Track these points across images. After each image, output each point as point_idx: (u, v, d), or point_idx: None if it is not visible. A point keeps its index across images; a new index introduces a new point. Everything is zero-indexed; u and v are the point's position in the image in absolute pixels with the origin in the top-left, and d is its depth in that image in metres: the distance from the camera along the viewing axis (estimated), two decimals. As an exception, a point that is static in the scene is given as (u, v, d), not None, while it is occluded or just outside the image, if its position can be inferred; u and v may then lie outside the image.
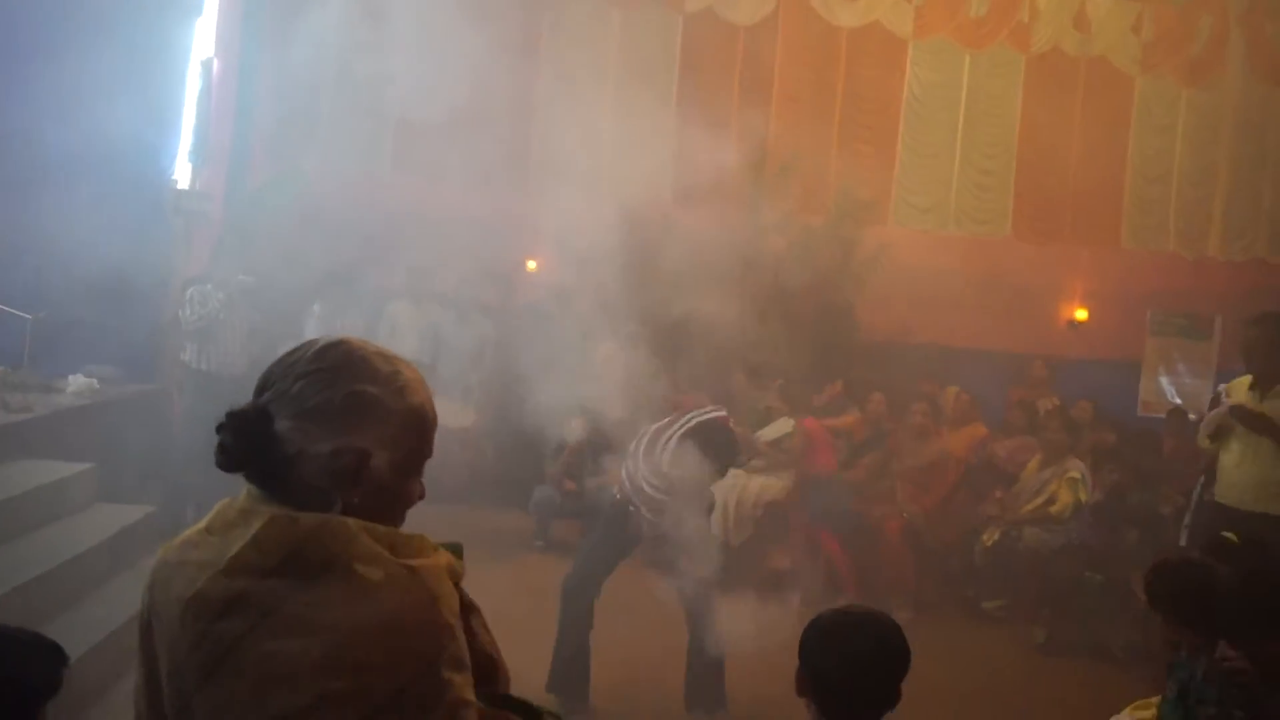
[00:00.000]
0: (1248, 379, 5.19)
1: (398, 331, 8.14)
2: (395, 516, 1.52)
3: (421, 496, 1.56)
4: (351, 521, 1.42)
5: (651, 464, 4.71)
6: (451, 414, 7.80)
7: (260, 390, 1.51)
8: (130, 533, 5.22)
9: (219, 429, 1.47)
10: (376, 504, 1.48)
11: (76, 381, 6.30)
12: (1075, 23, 9.88)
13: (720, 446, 4.78)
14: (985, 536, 6.58)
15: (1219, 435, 5.15)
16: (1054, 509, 6.43)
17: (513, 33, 9.45)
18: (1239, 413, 5.00)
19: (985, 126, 9.97)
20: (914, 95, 9.98)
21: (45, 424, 5.57)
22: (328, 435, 1.45)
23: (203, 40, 8.57)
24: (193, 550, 1.46)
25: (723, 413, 4.96)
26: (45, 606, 4.27)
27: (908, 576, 6.49)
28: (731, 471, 7.30)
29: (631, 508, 4.73)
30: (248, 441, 1.46)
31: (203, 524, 1.49)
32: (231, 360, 6.62)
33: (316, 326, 7.42)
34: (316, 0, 7.80)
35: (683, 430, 4.74)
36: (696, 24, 9.82)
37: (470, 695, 1.45)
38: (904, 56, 9.92)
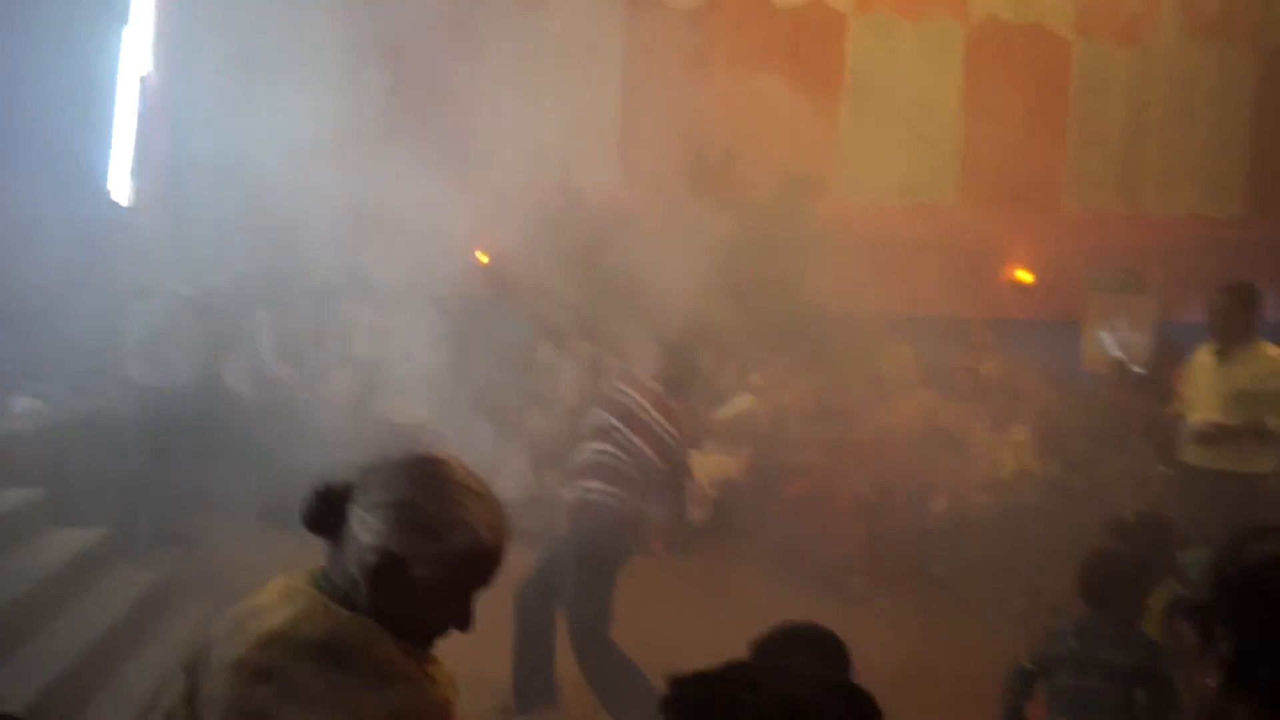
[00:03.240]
0: (1211, 346, 5.26)
1: (348, 330, 8.10)
2: (425, 633, 1.64)
3: (462, 628, 1.66)
4: (374, 625, 1.57)
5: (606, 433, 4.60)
6: (403, 410, 7.80)
7: (354, 474, 1.68)
8: (86, 557, 5.17)
9: (312, 490, 1.64)
10: (408, 615, 1.60)
11: (21, 403, 6.24)
12: (1013, -11, 9.98)
13: (691, 368, 4.73)
14: (934, 503, 6.69)
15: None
16: (1001, 474, 6.56)
17: (451, 18, 9.46)
18: (1207, 438, 5.07)
19: (927, 96, 10.06)
20: (856, 69, 10.05)
21: (-9, 450, 5.51)
22: (375, 532, 1.59)
23: (137, 54, 8.46)
24: (249, 621, 1.61)
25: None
26: (3, 641, 4.23)
27: (859, 548, 6.57)
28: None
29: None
30: (324, 507, 1.63)
31: (264, 601, 1.64)
32: (178, 374, 6.58)
33: (265, 334, 7.37)
34: (251, 7, 7.75)
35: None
36: (638, 7, 9.81)
37: None
38: (845, 31, 9.98)
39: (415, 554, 1.58)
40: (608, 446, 4.52)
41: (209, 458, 7.15)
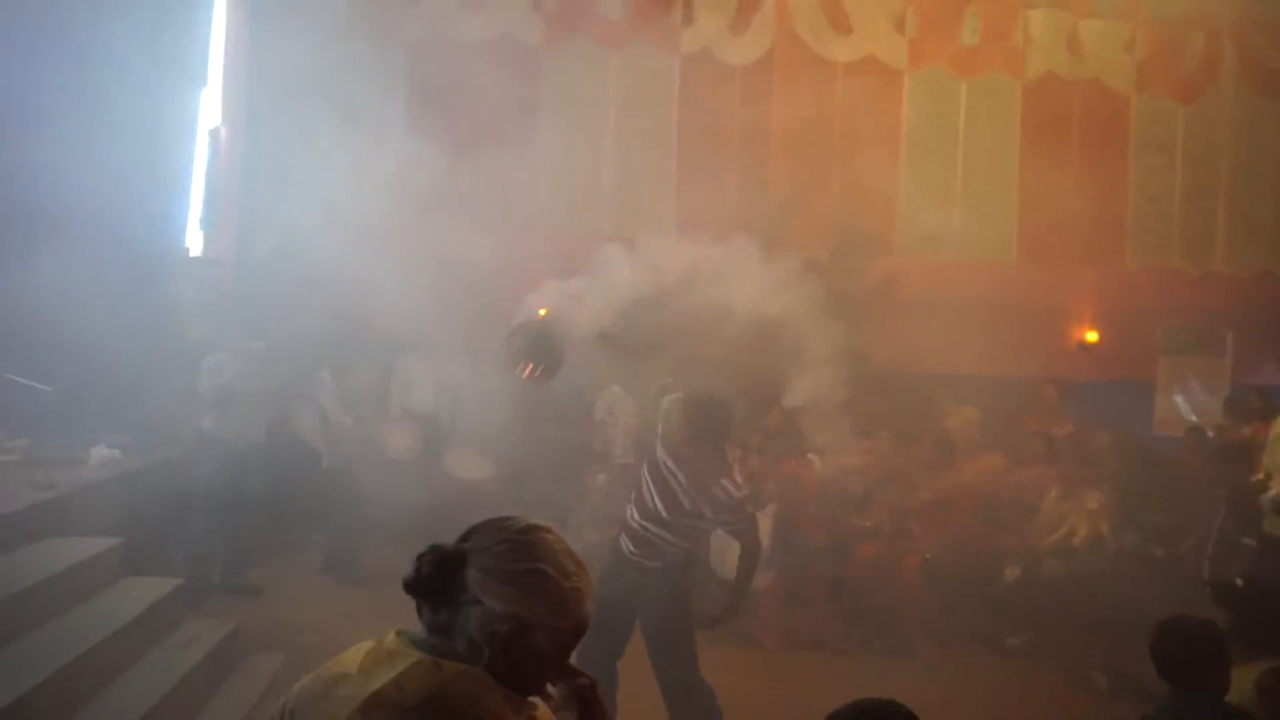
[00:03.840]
0: None
1: (411, 386, 8.17)
2: (530, 688, 1.70)
3: (555, 681, 1.75)
4: (488, 678, 1.61)
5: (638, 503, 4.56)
6: (469, 465, 7.83)
7: (463, 538, 1.71)
8: (160, 607, 5.24)
9: (416, 558, 1.68)
10: (515, 673, 1.65)
11: (99, 453, 6.36)
12: (1068, 46, 10.00)
13: (713, 418, 4.44)
14: (1007, 571, 6.56)
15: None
16: (1075, 541, 6.42)
17: (510, 76, 9.65)
18: None
19: (984, 153, 10.06)
20: (912, 126, 10.08)
21: (72, 500, 5.60)
22: (503, 597, 1.64)
23: (209, 109, 8.71)
24: (339, 686, 1.63)
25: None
26: (80, 691, 4.29)
27: (929, 616, 6.45)
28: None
29: (631, 555, 4.53)
30: (440, 572, 1.66)
31: (353, 664, 1.65)
32: (249, 427, 6.69)
33: (329, 391, 7.46)
34: (317, 70, 7.96)
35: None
36: (693, 65, 9.93)
37: None
38: (900, 88, 10.03)
39: (540, 621, 1.65)
40: (649, 524, 4.49)
41: (277, 509, 7.25)
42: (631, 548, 4.54)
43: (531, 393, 8.01)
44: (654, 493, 4.49)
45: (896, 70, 9.98)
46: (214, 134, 8.91)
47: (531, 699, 1.68)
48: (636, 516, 4.54)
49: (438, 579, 1.65)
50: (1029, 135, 9.99)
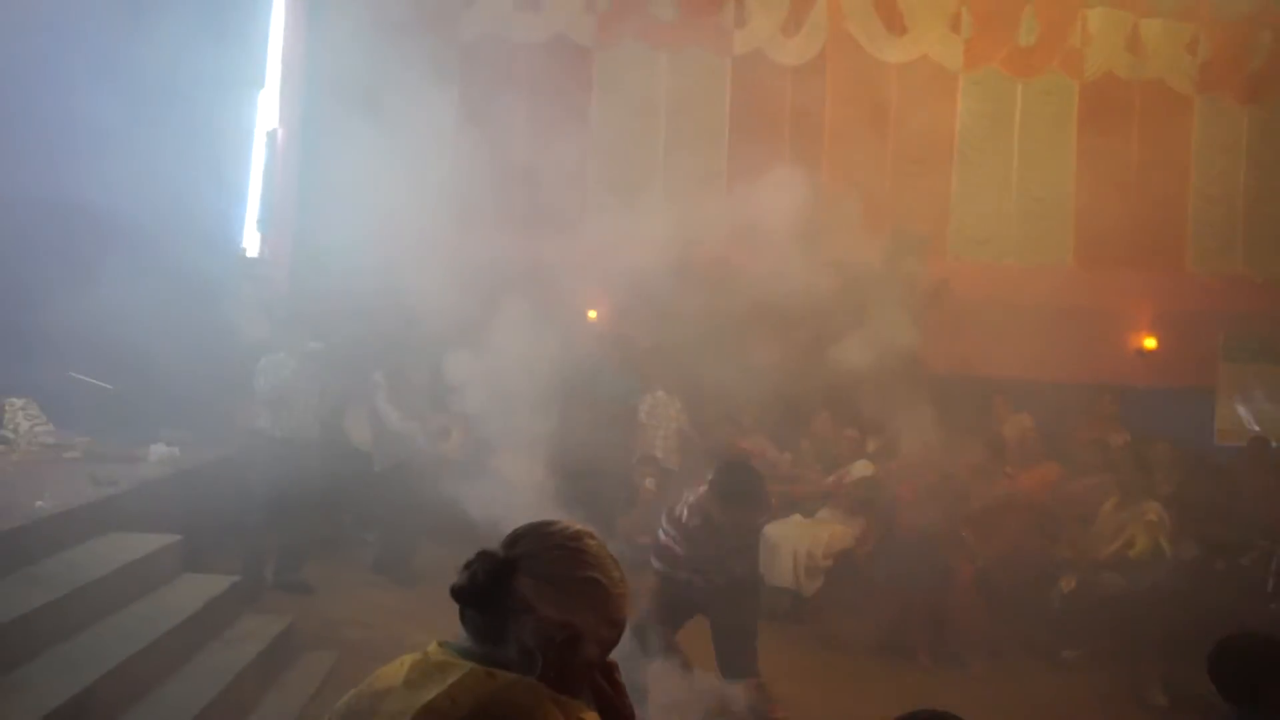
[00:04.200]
0: None
1: (462, 387, 8.21)
2: (572, 694, 1.67)
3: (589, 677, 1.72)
4: (542, 686, 1.59)
5: (671, 518, 4.69)
6: (519, 467, 7.86)
7: (510, 543, 1.69)
8: (217, 604, 5.32)
9: (465, 565, 1.66)
10: (565, 679, 1.64)
11: (158, 451, 6.49)
12: (1128, 46, 9.82)
13: (742, 489, 4.55)
14: (1063, 583, 6.44)
15: None
16: (1132, 553, 6.29)
17: (561, 78, 9.69)
18: None
19: (1040, 155, 9.92)
20: (966, 127, 9.96)
21: (132, 496, 5.72)
22: (558, 605, 1.63)
23: (266, 111, 8.84)
24: (385, 701, 1.61)
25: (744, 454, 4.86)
26: (139, 685, 4.38)
27: (981, 626, 6.36)
28: (799, 518, 7.30)
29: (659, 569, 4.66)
30: (492, 579, 1.63)
31: (398, 678, 1.64)
32: (305, 426, 6.77)
33: (382, 392, 7.53)
34: (372, 72, 8.04)
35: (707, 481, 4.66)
36: (745, 66, 9.90)
37: None
38: (954, 89, 9.91)
39: (593, 630, 1.64)
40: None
41: (330, 509, 7.34)
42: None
43: (580, 396, 8.08)
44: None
45: (951, 71, 9.87)
46: (271, 136, 9.04)
47: (578, 702, 1.66)
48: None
49: (490, 586, 1.63)
50: (1086, 137, 9.83)
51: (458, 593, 1.65)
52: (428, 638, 1.68)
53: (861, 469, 7.26)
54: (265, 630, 5.50)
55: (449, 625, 1.70)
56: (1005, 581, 6.47)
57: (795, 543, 6.94)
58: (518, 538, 1.68)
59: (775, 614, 6.78)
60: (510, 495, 7.85)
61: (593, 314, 9.54)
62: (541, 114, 9.31)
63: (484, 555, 1.66)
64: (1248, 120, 9.84)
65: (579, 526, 1.72)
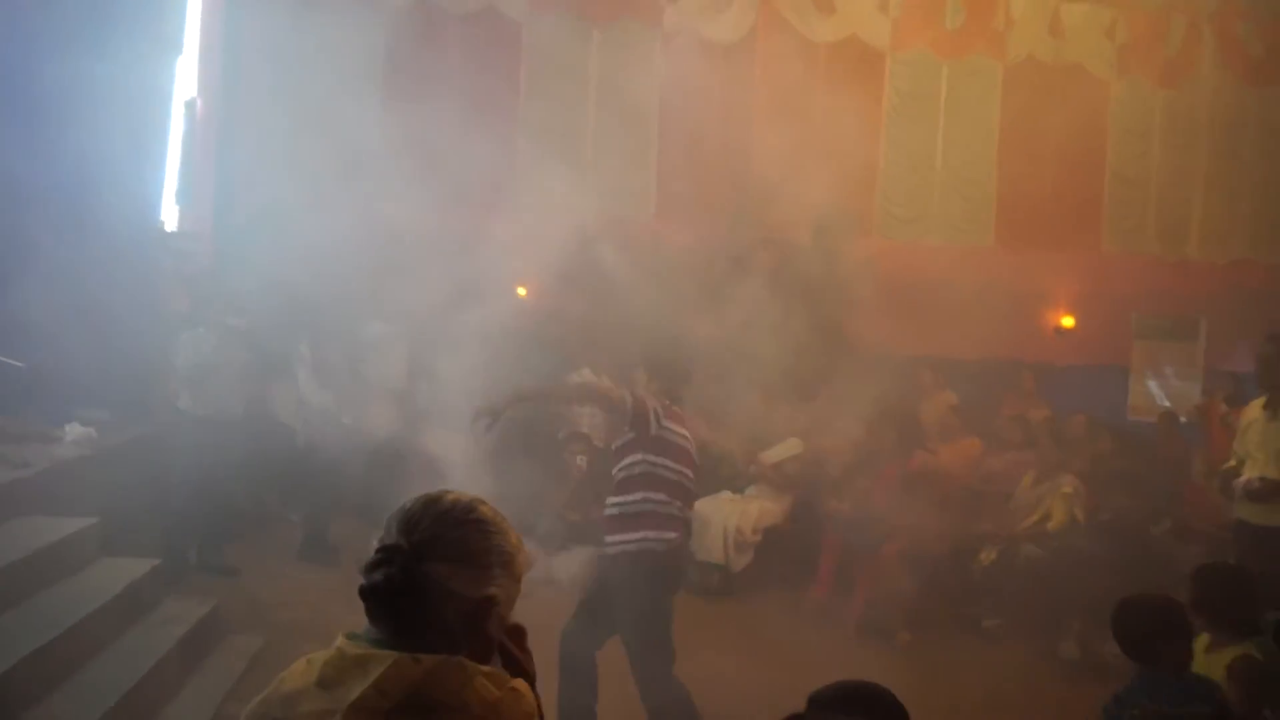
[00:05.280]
0: (1260, 400, 5.21)
1: (387, 363, 8.12)
2: (484, 661, 1.66)
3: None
4: (468, 662, 1.59)
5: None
6: (446, 445, 7.80)
7: (408, 529, 1.64)
8: (138, 587, 5.20)
9: (373, 564, 1.61)
10: (484, 649, 1.66)
11: (74, 430, 6.28)
12: (1050, 30, 10.00)
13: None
14: (983, 555, 6.63)
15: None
16: (1050, 525, 6.50)
17: (491, 51, 9.57)
18: (1256, 495, 4.99)
19: (964, 136, 10.07)
20: (894, 107, 10.08)
21: (46, 478, 5.54)
22: (474, 581, 1.63)
23: (185, 79, 8.57)
24: (300, 703, 1.57)
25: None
26: (57, 671, 4.26)
27: (906, 598, 6.52)
28: (729, 495, 7.38)
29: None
30: (404, 575, 1.60)
31: (310, 678, 1.59)
32: (227, 404, 6.62)
33: (306, 366, 7.41)
34: (295, 40, 7.84)
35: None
36: (676, 42, 9.87)
37: None
38: (882, 69, 10.01)
39: (506, 593, 1.67)
40: (659, 495, 4.49)
41: (255, 488, 7.20)
42: (608, 536, 4.55)
43: (507, 374, 8.02)
44: (671, 462, 4.51)
45: (879, 51, 9.96)
46: (190, 105, 8.78)
47: (501, 672, 1.65)
48: (661, 498, 4.51)
49: (404, 581, 1.59)
50: (1009, 119, 10.00)
51: (372, 593, 1.61)
52: (360, 618, 1.64)
53: (791, 447, 7.35)
54: (189, 613, 5.39)
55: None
56: (928, 555, 6.63)
57: (725, 518, 7.02)
58: (414, 522, 1.64)
59: (705, 589, 6.87)
60: (437, 471, 7.81)
61: (522, 290, 9.48)
62: (470, 85, 9.18)
63: (389, 550, 1.61)
64: (1162, 103, 10.10)
65: (467, 495, 1.70)
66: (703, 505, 7.15)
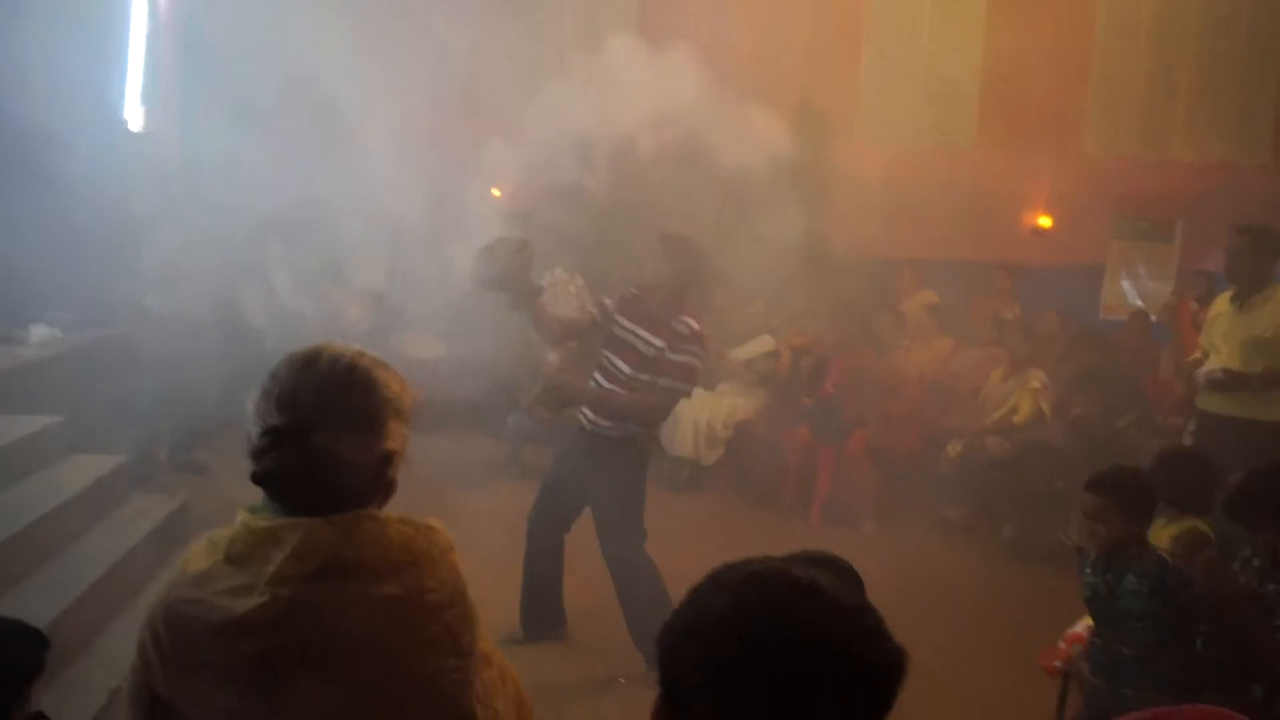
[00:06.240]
0: (1228, 293, 5.22)
1: (362, 262, 8.04)
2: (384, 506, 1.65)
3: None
4: (378, 513, 1.58)
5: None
6: (421, 345, 7.79)
7: (288, 407, 1.56)
8: (105, 483, 5.22)
9: (262, 450, 1.55)
10: (385, 497, 1.64)
11: (39, 331, 6.24)
12: (1038, -73, 9.73)
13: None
14: (950, 448, 6.69)
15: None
16: (1016, 419, 6.55)
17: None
18: (1218, 385, 5.02)
19: (948, 35, 9.87)
20: (876, 5, 9.86)
21: (10, 377, 5.52)
22: (368, 444, 1.58)
23: (144, -28, 8.31)
24: (213, 583, 1.52)
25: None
26: (24, 564, 4.30)
27: (871, 489, 6.61)
28: (700, 391, 7.40)
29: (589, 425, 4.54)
30: (296, 455, 1.54)
31: (216, 556, 1.54)
32: (196, 304, 6.58)
33: (279, 265, 7.32)
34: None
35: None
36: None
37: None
38: (867, -33, 9.77)
39: (400, 441, 1.66)
40: (613, 385, 4.51)
41: (224, 388, 7.18)
42: (592, 415, 4.55)
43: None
44: (614, 356, 4.51)
45: (865, -56, 9.72)
46: (152, 2, 8.53)
47: (414, 515, 1.63)
48: (602, 381, 4.55)
49: (295, 462, 1.53)
50: (994, 16, 9.80)
51: (266, 479, 1.56)
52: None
53: (762, 344, 7.35)
54: (157, 510, 5.43)
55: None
56: (895, 448, 6.70)
57: (695, 414, 7.06)
58: (294, 397, 1.56)
59: (675, 483, 6.94)
60: (409, 372, 7.80)
61: (496, 191, 9.36)
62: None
63: (275, 432, 1.54)
64: (1151, 3, 9.90)
65: (340, 348, 1.63)
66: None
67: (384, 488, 1.63)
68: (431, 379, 7.86)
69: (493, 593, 4.90)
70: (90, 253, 6.49)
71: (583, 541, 4.75)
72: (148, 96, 8.42)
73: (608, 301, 4.62)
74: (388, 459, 1.61)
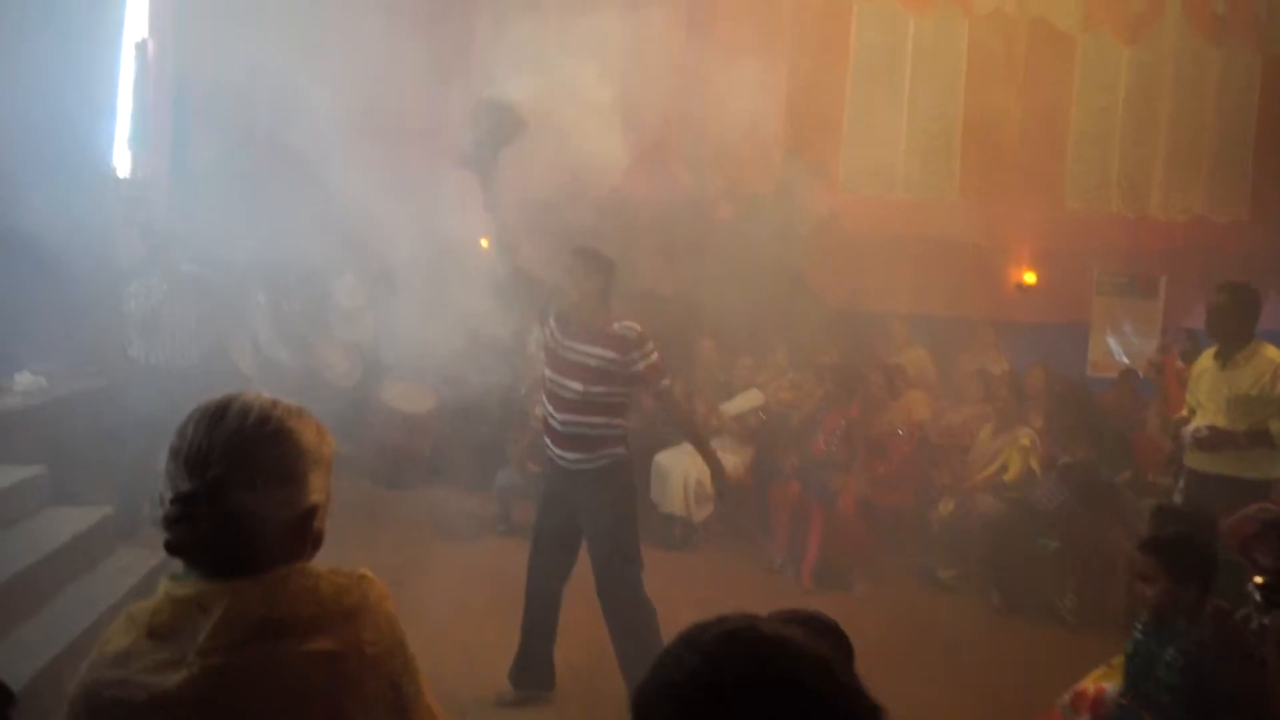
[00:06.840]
0: (1212, 350, 5.28)
1: (350, 315, 8.03)
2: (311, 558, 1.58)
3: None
4: (308, 566, 1.51)
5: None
6: (410, 399, 7.75)
7: (200, 466, 1.47)
8: (86, 537, 5.13)
9: (174, 520, 1.45)
10: (312, 549, 1.57)
11: (24, 380, 6.17)
12: (1016, -17, 9.91)
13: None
14: (941, 506, 6.69)
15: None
16: (1006, 476, 6.56)
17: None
18: (1205, 443, 5.07)
19: (930, 88, 10.00)
20: (859, 59, 9.98)
21: (-7, 427, 5.45)
22: (290, 500, 1.50)
23: (135, 20, 8.33)
24: (135, 660, 1.43)
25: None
26: (3, 618, 4.20)
27: (864, 549, 6.58)
28: (689, 447, 7.37)
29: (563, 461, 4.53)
30: (210, 520, 1.45)
31: (137, 631, 1.45)
32: (180, 353, 6.52)
33: (264, 315, 7.30)
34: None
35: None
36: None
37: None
38: (848, 19, 9.90)
39: (324, 492, 1.59)
40: (570, 416, 4.48)
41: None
42: (562, 453, 4.52)
43: (470, 327, 7.95)
44: (562, 378, 4.50)
45: (845, 3, 9.84)
46: (140, 48, 8.54)
47: (345, 567, 1.56)
48: (556, 416, 4.52)
49: (211, 527, 1.44)
50: (975, 72, 9.94)
51: (179, 549, 1.47)
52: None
53: (751, 399, 7.35)
54: (140, 564, 5.32)
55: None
56: (886, 507, 6.68)
57: (685, 470, 7.03)
58: (204, 456, 1.46)
59: (666, 541, 6.90)
60: (401, 427, 7.75)
61: (484, 242, 9.36)
62: (433, 30, 8.97)
63: (185, 500, 1.45)
64: (1127, 61, 10.09)
65: (252, 398, 1.53)
66: (663, 457, 7.17)
67: (312, 540, 1.55)
68: (421, 433, 7.84)
69: (481, 651, 4.88)
70: (76, 301, 6.45)
71: (570, 600, 4.71)
72: (135, 143, 8.41)
73: (552, 323, 4.59)
74: (311, 513, 1.53)
